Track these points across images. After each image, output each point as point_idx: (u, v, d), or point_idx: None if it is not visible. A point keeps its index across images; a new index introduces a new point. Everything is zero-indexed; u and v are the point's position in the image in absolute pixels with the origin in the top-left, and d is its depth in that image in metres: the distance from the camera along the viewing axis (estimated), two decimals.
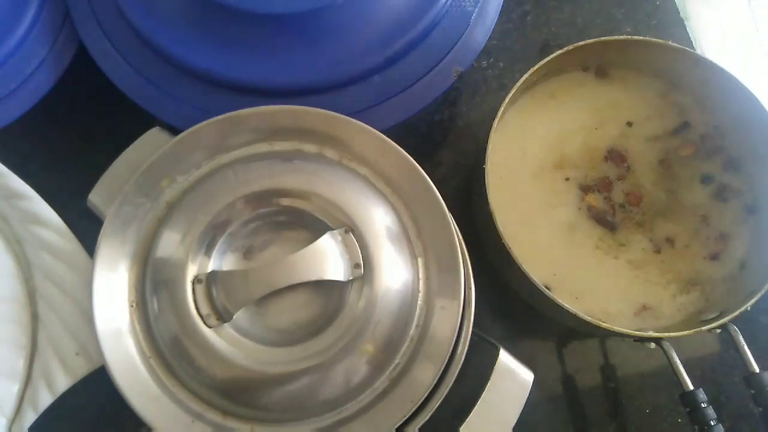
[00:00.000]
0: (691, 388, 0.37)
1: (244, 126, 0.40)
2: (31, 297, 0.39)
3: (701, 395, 0.37)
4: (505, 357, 0.37)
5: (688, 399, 0.37)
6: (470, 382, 0.37)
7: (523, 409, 0.37)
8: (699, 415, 0.36)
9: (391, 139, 0.39)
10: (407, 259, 0.38)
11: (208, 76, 0.40)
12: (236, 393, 0.36)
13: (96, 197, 0.40)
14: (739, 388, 0.44)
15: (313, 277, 0.36)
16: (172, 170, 0.39)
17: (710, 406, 0.36)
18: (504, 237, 0.39)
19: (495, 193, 0.41)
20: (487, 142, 0.42)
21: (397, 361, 0.37)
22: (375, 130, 0.40)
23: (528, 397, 0.37)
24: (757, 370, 0.37)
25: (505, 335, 0.50)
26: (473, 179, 0.44)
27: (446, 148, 0.55)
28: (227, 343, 0.35)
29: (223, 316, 0.35)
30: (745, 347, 0.38)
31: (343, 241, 0.37)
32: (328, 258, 0.36)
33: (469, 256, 0.39)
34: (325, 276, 0.36)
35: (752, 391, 0.37)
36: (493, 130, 0.42)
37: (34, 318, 0.39)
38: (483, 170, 0.41)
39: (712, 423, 0.36)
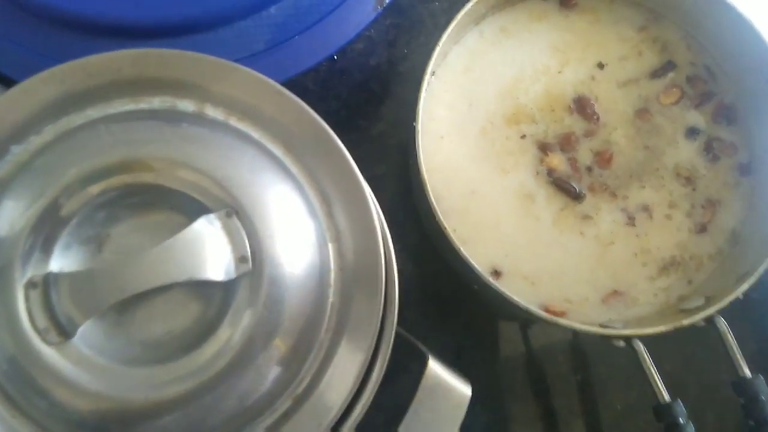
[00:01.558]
0: (667, 399, 0.30)
1: (98, 77, 0.31)
2: None
3: (679, 408, 0.30)
4: (435, 368, 0.29)
5: (663, 412, 0.30)
6: (402, 391, 0.30)
7: (482, 404, 0.30)
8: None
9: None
10: (313, 246, 0.30)
11: (49, 10, 0.31)
12: (95, 427, 0.28)
13: None
14: (728, 396, 0.37)
15: (182, 278, 0.27)
16: (3, 138, 0.30)
17: (690, 423, 0.29)
18: (437, 211, 0.31)
19: (431, 158, 0.33)
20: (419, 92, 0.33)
21: (301, 376, 0.30)
22: (269, 80, 0.31)
23: (486, 391, 0.30)
24: (748, 374, 0.30)
25: (457, 321, 0.42)
26: (408, 140, 0.36)
27: (386, 99, 0.47)
28: (73, 364, 0.27)
29: (66, 329, 0.27)
30: (734, 346, 0.31)
31: (224, 227, 0.29)
32: (203, 250, 0.28)
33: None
34: (199, 275, 0.28)
35: (741, 400, 0.30)
36: (427, 74, 0.33)
37: None
38: (414, 128, 0.33)
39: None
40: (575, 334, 0.42)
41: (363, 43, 0.47)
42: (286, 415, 0.30)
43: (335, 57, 0.44)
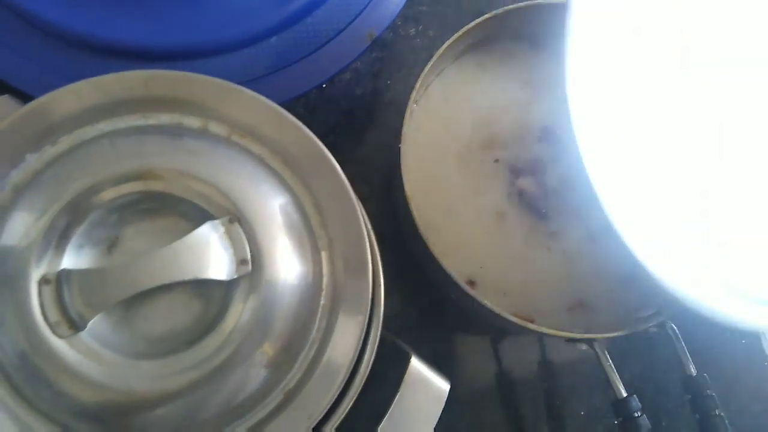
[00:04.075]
0: (624, 394, 0.33)
1: (110, 94, 0.33)
2: None
3: (634, 403, 0.33)
4: (417, 365, 0.32)
5: (620, 407, 0.33)
6: (383, 391, 0.32)
7: (455, 410, 0.32)
8: (632, 425, 0.32)
9: (305, 115, 0.34)
10: (307, 253, 0.33)
11: (68, 34, 0.34)
12: (100, 417, 0.30)
13: None
14: (679, 391, 0.40)
15: (187, 277, 0.30)
16: (20, 146, 0.32)
17: (644, 416, 0.33)
18: (420, 227, 0.34)
19: (413, 177, 0.36)
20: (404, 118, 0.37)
21: (293, 372, 0.32)
22: (269, 101, 0.34)
23: (459, 398, 0.33)
24: (694, 372, 0.34)
25: (434, 333, 0.45)
26: (393, 161, 0.39)
27: (370, 125, 0.50)
28: (82, 356, 0.29)
29: (76, 323, 0.29)
30: (684, 347, 0.34)
31: (226, 232, 0.31)
32: (207, 253, 0.30)
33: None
34: (203, 274, 0.30)
35: (689, 396, 0.34)
36: (411, 103, 0.37)
37: None
38: (399, 150, 0.36)
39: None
40: (542, 346, 0.45)
41: (350, 74, 0.50)
42: (279, 408, 0.32)
43: (323, 86, 0.47)
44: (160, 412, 0.30)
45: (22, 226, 0.30)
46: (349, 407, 0.32)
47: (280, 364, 0.32)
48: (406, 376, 0.32)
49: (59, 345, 0.29)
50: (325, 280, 0.34)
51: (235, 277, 0.31)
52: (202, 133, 0.34)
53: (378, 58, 0.51)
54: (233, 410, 0.31)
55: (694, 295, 0.29)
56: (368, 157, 0.49)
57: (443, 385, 0.32)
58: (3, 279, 0.30)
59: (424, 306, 0.45)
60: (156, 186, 0.31)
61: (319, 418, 0.31)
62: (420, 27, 0.52)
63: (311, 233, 0.34)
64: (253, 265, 0.31)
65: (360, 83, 0.50)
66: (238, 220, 0.31)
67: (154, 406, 0.30)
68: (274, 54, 0.36)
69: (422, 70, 0.40)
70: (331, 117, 0.47)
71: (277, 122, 0.34)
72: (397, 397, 0.31)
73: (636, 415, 0.32)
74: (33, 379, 0.30)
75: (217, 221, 0.31)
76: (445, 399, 0.32)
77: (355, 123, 0.50)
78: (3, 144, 0.32)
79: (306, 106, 0.47)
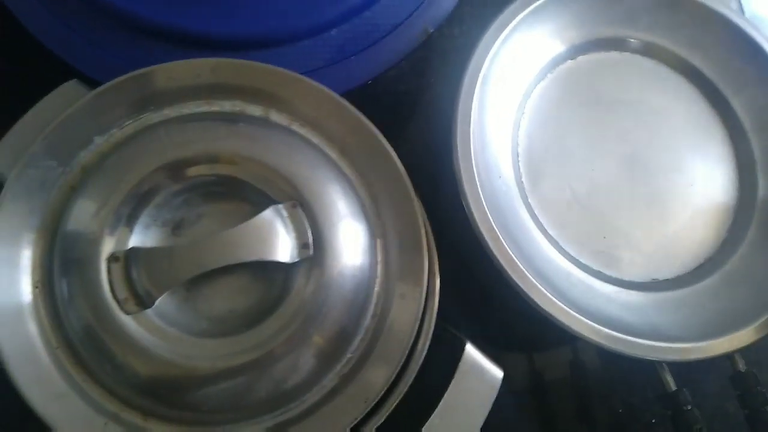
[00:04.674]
0: (674, 387, 0.34)
1: (176, 81, 0.34)
2: None
3: (685, 396, 0.33)
4: (472, 352, 0.33)
5: (670, 400, 0.33)
6: (433, 379, 0.33)
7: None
8: (683, 418, 0.33)
9: None
10: (364, 239, 0.34)
11: (136, 21, 0.35)
12: (159, 391, 0.31)
13: None
14: (717, 388, 0.40)
15: (252, 258, 0.30)
16: (89, 129, 0.33)
17: (695, 409, 0.33)
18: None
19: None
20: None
21: (349, 356, 0.33)
22: (331, 92, 0.35)
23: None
24: (742, 369, 0.34)
25: (471, 329, 0.45)
26: (443, 155, 0.39)
27: (413, 122, 0.51)
28: (148, 332, 0.30)
29: (144, 301, 0.30)
30: None
31: (289, 216, 0.32)
32: (270, 235, 0.31)
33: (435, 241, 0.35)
34: (267, 256, 0.31)
35: (738, 392, 0.34)
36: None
37: None
38: (452, 144, 0.37)
39: (698, 428, 0.32)
40: (576, 349, 0.46)
41: (394, 71, 0.50)
42: (334, 391, 0.32)
43: (368, 82, 0.47)
44: (216, 389, 0.31)
45: (91, 206, 0.31)
46: (404, 392, 0.32)
47: (335, 349, 0.32)
48: (461, 362, 0.32)
49: (126, 321, 0.30)
50: (379, 267, 0.34)
51: (297, 260, 0.31)
52: (264, 121, 0.35)
53: (422, 57, 0.51)
54: (289, 391, 0.32)
55: None
56: (410, 153, 0.50)
57: (497, 373, 0.33)
58: (73, 257, 0.31)
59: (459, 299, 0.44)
60: (222, 170, 0.32)
61: (375, 401, 0.32)
62: (464, 27, 0.52)
63: (368, 221, 0.34)
64: (313, 249, 0.32)
65: (403, 80, 0.51)
66: (300, 205, 0.32)
67: (212, 383, 0.30)
68: (333, 46, 0.36)
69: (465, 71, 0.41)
70: (375, 113, 0.47)
71: (337, 112, 0.35)
72: (452, 383, 0.32)
73: (687, 408, 0.32)
74: (98, 354, 0.30)
75: (280, 206, 0.32)
76: (498, 386, 0.33)
77: (397, 120, 0.50)
78: (72, 127, 0.33)
79: (349, 101, 0.48)
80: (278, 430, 0.31)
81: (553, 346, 0.48)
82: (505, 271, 0.35)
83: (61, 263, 0.31)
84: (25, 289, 0.31)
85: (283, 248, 0.31)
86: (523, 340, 0.47)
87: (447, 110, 0.47)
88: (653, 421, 0.45)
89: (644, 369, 0.38)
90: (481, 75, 0.40)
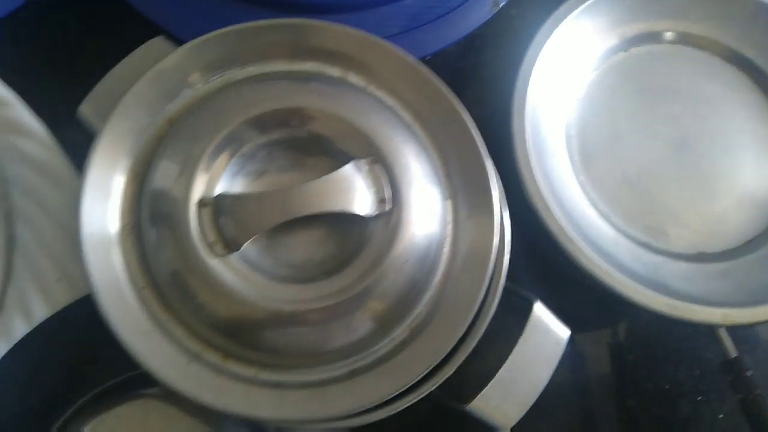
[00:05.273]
0: (735, 354, 0.34)
1: (260, 40, 0.36)
2: (8, 217, 0.35)
3: (745, 362, 0.34)
4: (540, 310, 0.34)
5: (731, 367, 0.34)
6: (499, 338, 0.34)
7: None
8: (743, 384, 0.33)
9: None
10: (436, 199, 0.35)
11: None
12: (240, 333, 0.32)
13: (88, 109, 0.35)
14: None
15: (335, 208, 0.32)
16: (176, 83, 0.35)
17: (755, 375, 0.34)
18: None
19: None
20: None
21: (419, 310, 0.34)
22: (409, 56, 0.36)
23: None
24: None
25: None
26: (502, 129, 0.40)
27: (469, 99, 0.52)
28: (233, 276, 0.31)
29: (230, 245, 0.31)
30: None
31: (368, 171, 0.33)
32: (351, 189, 0.32)
33: None
34: (349, 208, 0.32)
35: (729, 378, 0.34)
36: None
37: (10, 241, 0.34)
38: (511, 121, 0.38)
39: (758, 393, 0.33)
40: (623, 326, 0.46)
41: (452, 48, 0.52)
42: (403, 344, 0.33)
43: (428, 57, 0.48)
44: (294, 334, 0.32)
45: (180, 155, 0.33)
46: (472, 347, 0.33)
47: (407, 303, 0.33)
48: (530, 319, 0.33)
49: (213, 264, 0.31)
50: (449, 227, 0.35)
51: (375, 215, 0.33)
52: (343, 82, 0.36)
53: (479, 35, 0.52)
54: (362, 340, 0.33)
55: None
56: None
57: (564, 331, 0.34)
58: (162, 202, 0.32)
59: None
60: (304, 125, 0.33)
61: (444, 355, 0.33)
62: (521, 8, 0.53)
63: (440, 182, 0.35)
64: (391, 205, 0.33)
65: (462, 57, 0.52)
66: (379, 162, 0.33)
67: (290, 327, 0.32)
68: (408, 14, 0.37)
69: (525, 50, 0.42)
70: None
71: (413, 77, 0.36)
72: (520, 339, 0.33)
73: (748, 374, 0.33)
74: (183, 295, 0.32)
75: (361, 161, 0.33)
76: (565, 344, 0.34)
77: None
78: (160, 80, 0.35)
79: None
80: (350, 376, 0.33)
81: (595, 326, 0.48)
82: (559, 238, 0.36)
83: (151, 207, 0.32)
84: (114, 231, 0.33)
85: (363, 202, 0.32)
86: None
87: (502, 89, 0.48)
88: (699, 398, 0.45)
89: (689, 345, 0.38)
90: (537, 64, 0.42)
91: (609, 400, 0.46)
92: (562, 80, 0.43)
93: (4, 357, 0.33)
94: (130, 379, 0.36)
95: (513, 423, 0.32)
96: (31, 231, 0.34)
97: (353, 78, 0.36)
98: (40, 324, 0.33)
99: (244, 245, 0.31)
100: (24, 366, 0.34)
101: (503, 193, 0.36)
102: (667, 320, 0.36)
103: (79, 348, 0.39)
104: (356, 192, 0.32)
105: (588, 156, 0.42)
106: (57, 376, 0.39)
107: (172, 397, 0.33)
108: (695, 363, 0.45)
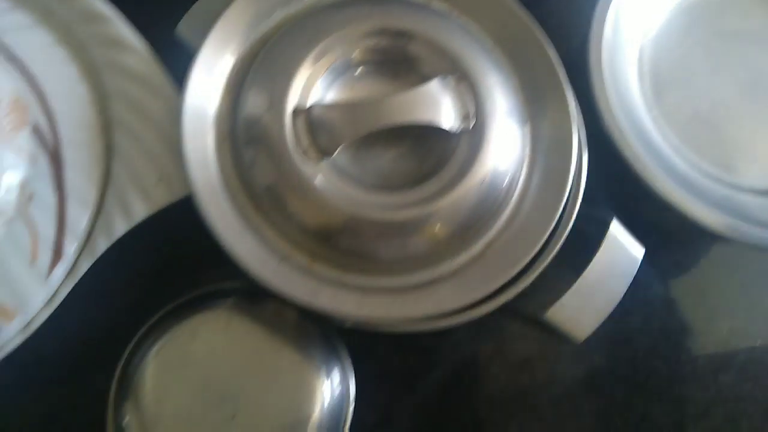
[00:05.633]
0: None
1: None
2: (107, 129, 0.37)
3: None
4: (616, 228, 0.34)
5: None
6: (576, 253, 0.35)
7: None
8: None
9: None
10: (516, 120, 0.36)
11: None
12: (327, 236, 0.33)
13: (186, 27, 0.37)
14: None
15: (423, 119, 0.33)
16: (273, 2, 0.37)
17: None
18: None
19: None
20: None
21: (498, 225, 0.35)
22: None
23: None
24: None
25: None
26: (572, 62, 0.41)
27: (548, 26, 0.52)
28: (324, 180, 0.33)
29: (323, 151, 0.33)
30: None
31: (455, 89, 0.34)
32: (439, 102, 0.34)
33: None
34: (436, 120, 0.33)
35: None
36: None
37: (109, 149, 0.36)
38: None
39: None
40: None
41: None
42: (480, 257, 0.35)
43: None
44: (379, 239, 0.33)
45: (277, 66, 0.34)
46: (547, 262, 0.34)
47: (486, 217, 0.35)
48: (606, 235, 0.34)
49: (305, 169, 0.33)
50: (528, 148, 0.36)
51: (459, 131, 0.34)
52: (427, 7, 0.37)
53: None
54: (442, 251, 0.34)
55: None
56: None
57: (639, 248, 0.35)
58: (258, 110, 0.34)
59: None
60: (394, 43, 0.35)
61: (520, 268, 0.34)
62: None
63: (519, 104, 0.36)
64: (475, 121, 0.34)
65: None
66: (465, 79, 0.34)
67: (376, 232, 0.33)
68: None
69: None
70: None
71: (494, 3, 0.37)
72: (596, 255, 0.34)
73: None
74: (275, 198, 0.33)
75: (448, 77, 0.34)
76: (639, 262, 0.34)
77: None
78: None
79: None
80: (430, 284, 0.34)
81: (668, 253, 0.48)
82: (634, 166, 0.37)
83: (246, 115, 0.34)
84: (210, 137, 0.35)
85: (449, 116, 0.34)
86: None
87: (580, 21, 0.48)
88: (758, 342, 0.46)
89: None
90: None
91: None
92: (638, 17, 0.44)
93: (98, 261, 0.35)
94: (210, 292, 0.38)
95: (587, 334, 0.33)
96: (131, 139, 0.36)
97: (436, 4, 0.38)
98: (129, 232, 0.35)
99: (335, 152, 0.33)
100: (114, 271, 0.36)
101: (581, 117, 0.37)
102: None
103: (167, 256, 0.42)
104: (443, 106, 0.34)
105: (660, 92, 0.42)
106: (144, 283, 0.41)
107: (250, 306, 0.35)
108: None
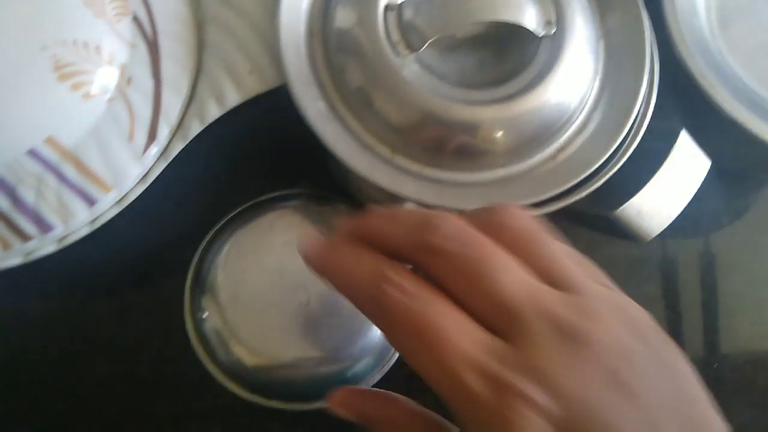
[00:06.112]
0: None
1: None
2: (200, 26, 0.39)
3: None
4: (685, 138, 0.36)
5: None
6: (647, 159, 0.36)
7: None
8: None
9: None
10: (593, 33, 0.37)
11: None
12: (410, 129, 0.35)
13: None
14: None
15: (509, 18, 0.34)
16: None
17: None
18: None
19: None
20: None
21: (571, 130, 0.37)
22: None
23: None
24: None
25: None
26: None
27: None
28: (411, 73, 0.34)
29: (412, 45, 0.35)
30: None
31: None
32: (524, 5, 0.35)
33: None
34: (520, 20, 0.35)
35: None
36: None
37: (201, 43, 0.38)
38: None
39: None
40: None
41: None
42: (552, 158, 0.36)
43: None
44: (458, 135, 0.35)
45: None
46: (618, 166, 0.36)
47: (562, 119, 0.36)
48: (676, 144, 0.35)
49: (395, 61, 0.34)
50: (601, 63, 0.38)
51: (541, 35, 0.35)
52: None
53: None
54: (519, 149, 0.36)
55: None
56: None
57: (705, 161, 0.36)
58: (352, 7, 0.36)
59: None
60: None
61: (591, 171, 0.35)
62: None
63: (595, 20, 0.38)
64: (557, 27, 0.36)
65: None
66: None
67: (457, 128, 0.35)
68: None
69: None
70: None
71: None
72: (666, 161, 0.35)
73: None
74: (363, 92, 0.35)
75: None
76: (706, 172, 0.36)
77: None
78: None
79: None
80: (505, 181, 0.36)
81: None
82: (704, 87, 0.38)
83: (339, 10, 0.36)
84: (302, 32, 0.36)
85: (533, 19, 0.35)
86: None
87: None
88: None
89: None
90: None
91: None
92: None
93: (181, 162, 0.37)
94: (282, 196, 0.40)
95: (654, 234, 0.35)
96: (224, 33, 0.38)
97: None
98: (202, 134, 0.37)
99: (423, 47, 0.34)
100: (193, 168, 0.38)
101: (654, 37, 0.38)
102: None
103: (243, 164, 0.44)
104: (527, 8, 0.35)
105: (725, 24, 0.43)
106: (219, 184, 0.43)
107: (319, 207, 0.39)
108: None
